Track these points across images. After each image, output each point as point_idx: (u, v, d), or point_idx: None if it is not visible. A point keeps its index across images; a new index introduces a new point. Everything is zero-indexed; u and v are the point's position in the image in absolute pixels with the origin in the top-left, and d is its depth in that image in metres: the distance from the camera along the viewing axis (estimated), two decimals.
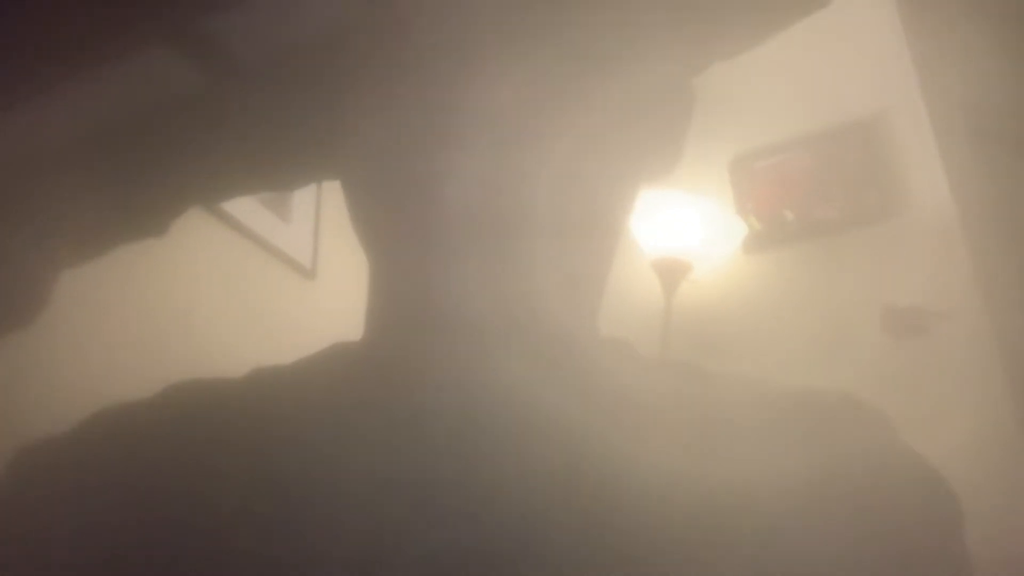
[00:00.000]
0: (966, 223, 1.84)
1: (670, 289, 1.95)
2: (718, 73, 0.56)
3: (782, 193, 2.13)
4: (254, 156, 0.59)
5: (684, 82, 0.53)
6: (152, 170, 0.58)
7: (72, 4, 0.50)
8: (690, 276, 1.97)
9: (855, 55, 2.04)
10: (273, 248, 1.57)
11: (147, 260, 1.18)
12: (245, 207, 1.48)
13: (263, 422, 0.47)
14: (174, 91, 0.56)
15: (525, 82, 0.45)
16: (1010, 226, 1.74)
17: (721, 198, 2.09)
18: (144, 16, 0.52)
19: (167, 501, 0.45)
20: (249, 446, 0.46)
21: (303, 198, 1.65)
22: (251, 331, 1.41)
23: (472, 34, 0.45)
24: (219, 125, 0.57)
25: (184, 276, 1.31)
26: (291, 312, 1.59)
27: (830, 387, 0.48)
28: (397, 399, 0.47)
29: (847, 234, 2.03)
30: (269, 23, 0.55)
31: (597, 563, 0.41)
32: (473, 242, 0.44)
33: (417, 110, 0.45)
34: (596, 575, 0.40)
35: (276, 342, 1.39)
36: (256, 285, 1.54)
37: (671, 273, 1.95)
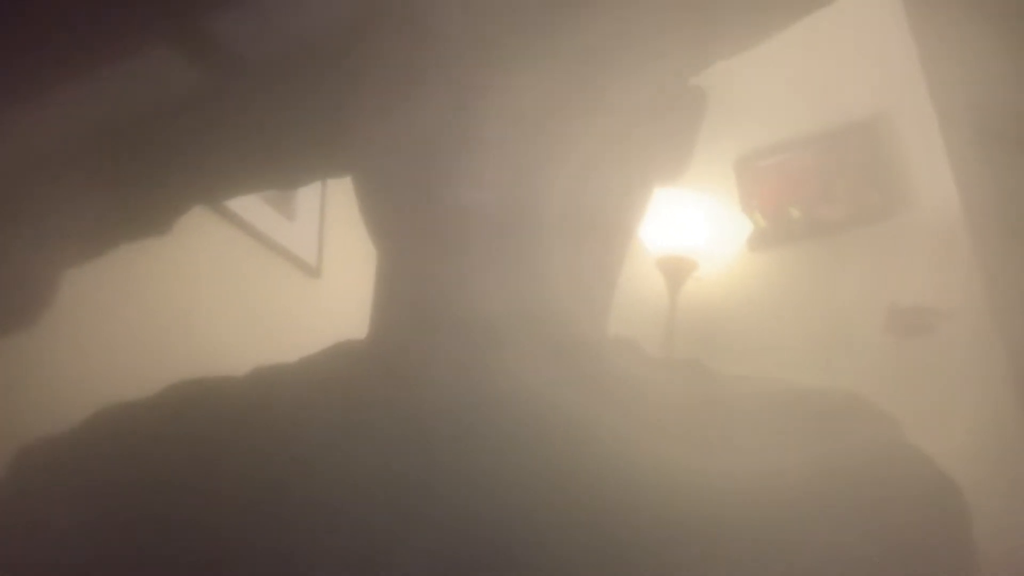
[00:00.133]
0: (971, 222, 1.84)
1: (675, 287, 1.95)
2: (724, 72, 0.56)
3: (787, 191, 2.13)
4: (259, 154, 0.59)
5: (695, 84, 0.53)
6: (156, 169, 0.58)
7: (75, 3, 0.50)
8: (695, 274, 1.97)
9: (861, 54, 2.04)
10: (278, 246, 1.57)
11: (151, 259, 1.18)
12: (249, 205, 1.48)
13: (267, 421, 0.48)
14: (178, 89, 0.56)
15: (538, 80, 0.45)
16: (1015, 226, 1.74)
17: (726, 196, 2.09)
18: (147, 14, 0.52)
19: (170, 500, 0.45)
20: (253, 445, 0.46)
21: (308, 196, 1.65)
22: (255, 329, 1.41)
23: (486, 33, 0.45)
24: (223, 123, 0.57)
25: (188, 274, 1.31)
26: (295, 310, 1.59)
27: (837, 387, 0.48)
28: (402, 397, 0.47)
29: (852, 233, 2.03)
30: (274, 21, 0.55)
31: (605, 561, 0.40)
32: (483, 241, 0.44)
33: (431, 108, 0.45)
34: (603, 573, 0.40)
35: (280, 340, 1.39)
36: (261, 283, 1.55)
37: (676, 271, 1.95)
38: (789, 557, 0.41)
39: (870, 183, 2.04)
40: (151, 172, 0.59)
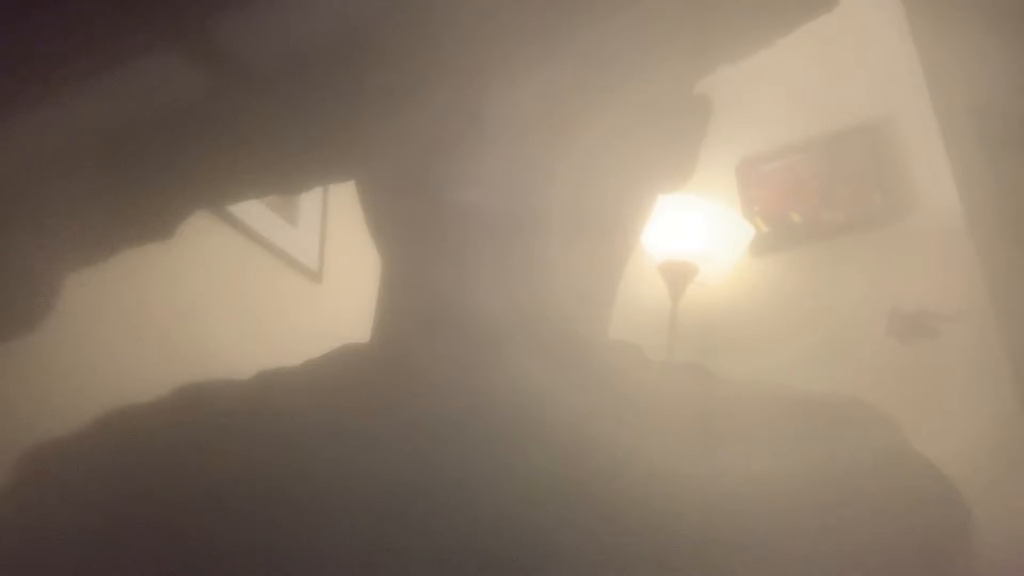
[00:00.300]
0: (973, 227, 1.84)
1: (677, 292, 1.95)
2: (725, 76, 0.56)
3: (789, 196, 2.13)
4: (262, 159, 0.59)
5: (699, 90, 0.53)
6: (159, 173, 0.58)
7: (78, 6, 0.50)
8: (697, 279, 1.97)
9: (862, 58, 2.04)
10: (280, 251, 1.57)
11: (154, 263, 1.18)
12: (252, 210, 1.48)
13: (271, 425, 0.48)
14: (182, 93, 0.56)
15: (542, 84, 0.45)
16: (1017, 230, 1.74)
17: (728, 201, 2.08)
18: (151, 18, 0.52)
19: (173, 503, 0.45)
20: (257, 449, 0.46)
21: (310, 201, 1.65)
22: (257, 333, 1.41)
23: (489, 37, 0.45)
24: (227, 128, 0.57)
25: (191, 279, 1.31)
26: (297, 315, 1.59)
27: (839, 391, 0.48)
28: (405, 401, 0.47)
29: (854, 237, 2.02)
30: (278, 26, 0.55)
31: (607, 566, 0.40)
32: (486, 244, 0.44)
33: (434, 112, 0.45)
34: None
35: (282, 344, 1.39)
36: (263, 288, 1.55)
37: (678, 276, 1.95)
38: (791, 562, 0.41)
39: (872, 188, 2.04)
40: (154, 176, 0.59)
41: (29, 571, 0.45)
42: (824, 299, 1.94)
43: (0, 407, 0.91)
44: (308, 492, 0.44)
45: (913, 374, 1.75)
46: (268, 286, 1.56)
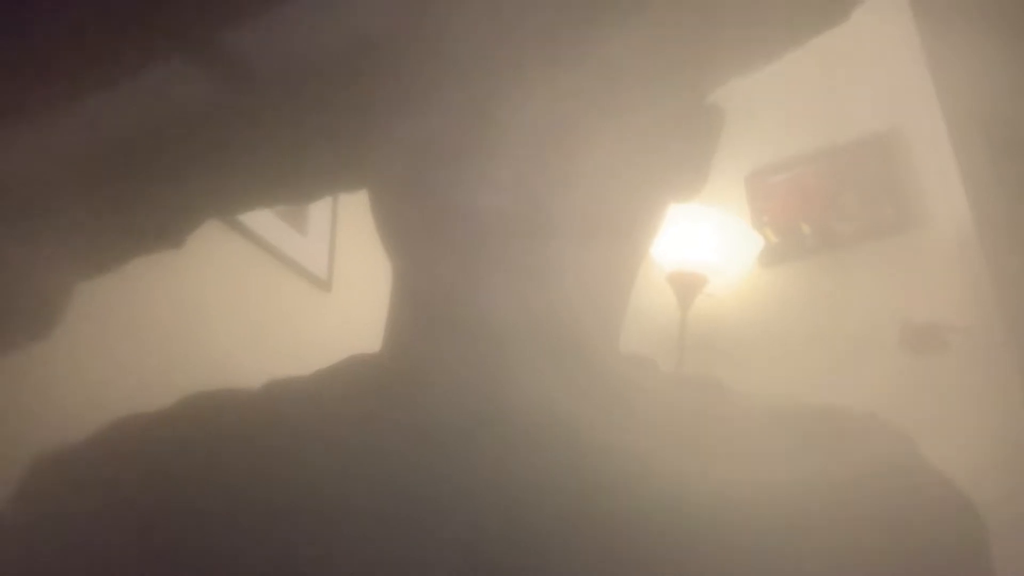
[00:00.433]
0: (984, 237, 1.83)
1: (686, 303, 1.95)
2: (736, 87, 0.56)
3: (799, 206, 2.12)
4: (273, 168, 0.59)
5: (710, 101, 0.53)
6: (169, 183, 0.59)
7: (89, 16, 0.50)
8: (706, 289, 1.96)
9: (872, 68, 2.04)
10: (290, 260, 1.57)
11: (164, 271, 1.19)
12: (262, 219, 1.48)
13: (279, 434, 0.47)
14: (192, 103, 0.56)
15: (553, 91, 0.44)
16: None
17: (738, 211, 2.08)
18: (161, 28, 0.53)
19: (183, 511, 0.45)
20: (264, 459, 0.46)
21: (319, 210, 1.65)
22: (266, 342, 1.41)
23: (501, 43, 0.45)
24: (237, 137, 0.57)
25: (201, 288, 1.32)
26: (306, 324, 1.60)
27: (853, 405, 0.48)
28: (415, 412, 0.47)
29: (864, 248, 2.02)
30: (288, 34, 0.55)
31: None
32: (498, 251, 0.44)
33: (445, 118, 0.44)
34: None
35: (291, 353, 1.39)
36: (272, 297, 1.55)
37: (687, 287, 1.95)
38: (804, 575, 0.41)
39: (881, 198, 2.04)
40: (164, 186, 0.59)
41: None
42: (834, 310, 1.94)
43: (8, 415, 0.91)
44: (316, 501, 0.44)
45: (924, 385, 1.74)
46: (277, 295, 1.57)
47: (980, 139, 1.87)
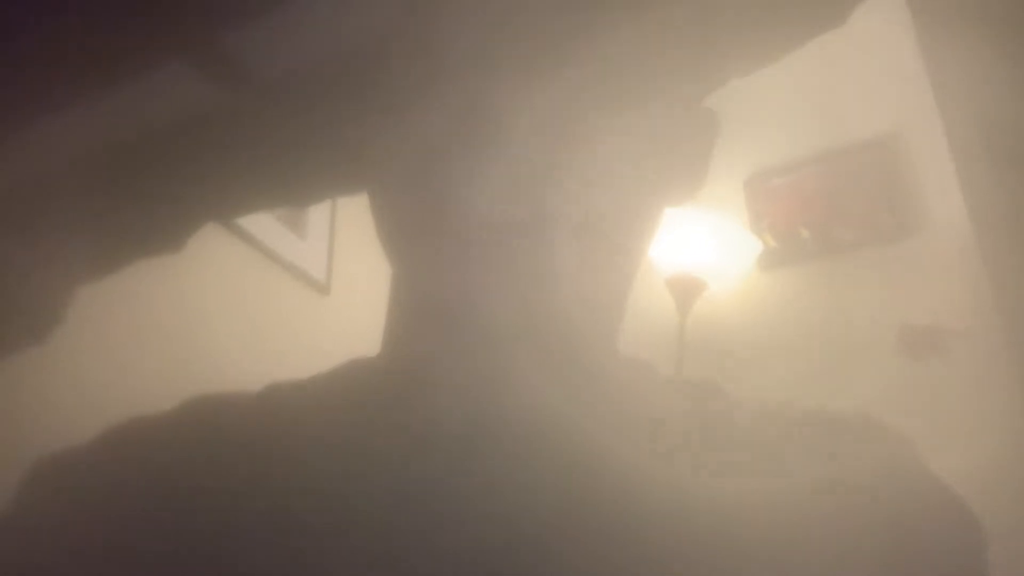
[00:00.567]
0: (983, 242, 1.83)
1: (685, 307, 1.95)
2: (734, 90, 0.56)
3: (798, 211, 2.12)
4: (272, 171, 0.59)
5: (708, 104, 0.53)
6: (168, 186, 0.59)
7: (90, 19, 0.50)
8: (705, 294, 1.96)
9: (871, 73, 2.04)
10: (288, 264, 1.57)
11: (163, 275, 1.19)
12: (261, 223, 1.48)
13: (278, 438, 0.47)
14: (191, 106, 0.56)
15: (552, 94, 0.45)
16: None
17: (736, 216, 2.08)
18: (160, 31, 0.53)
19: (183, 514, 0.45)
20: (264, 462, 0.46)
21: (318, 214, 1.65)
22: (265, 346, 1.41)
23: (498, 44, 0.45)
24: (237, 140, 0.57)
25: (200, 291, 1.32)
26: (305, 327, 1.60)
27: (852, 409, 0.48)
28: (413, 416, 0.47)
29: (863, 252, 2.02)
30: (286, 37, 0.55)
31: None
32: (498, 255, 0.44)
33: (443, 119, 0.45)
34: None
35: (289, 357, 1.39)
36: (271, 301, 1.55)
37: (686, 291, 1.95)
38: None
39: (881, 203, 2.04)
40: (163, 189, 0.59)
41: None
42: (833, 314, 1.94)
43: (9, 418, 0.91)
44: (315, 504, 0.44)
45: (923, 389, 1.74)
46: (276, 298, 1.57)
47: (979, 144, 1.87)
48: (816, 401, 0.49)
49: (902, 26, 1.98)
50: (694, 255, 1.92)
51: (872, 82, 2.05)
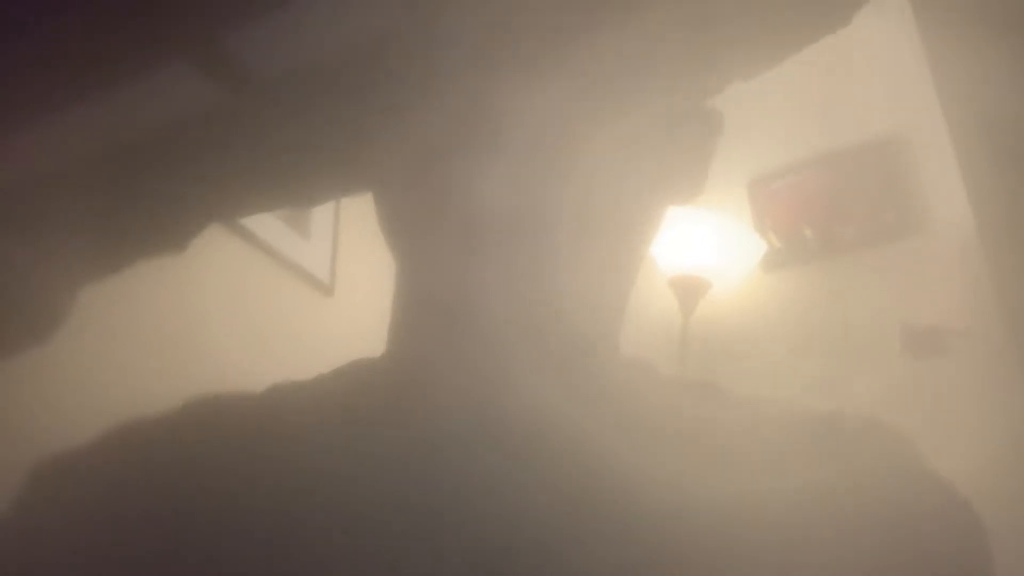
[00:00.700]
0: (986, 242, 1.83)
1: (688, 307, 1.95)
2: (738, 92, 0.56)
3: (801, 211, 2.12)
4: (275, 171, 0.59)
5: (711, 105, 0.53)
6: (171, 186, 0.59)
7: (90, 19, 0.50)
8: (708, 294, 1.96)
9: (875, 74, 2.04)
10: (292, 264, 1.57)
11: (165, 275, 1.19)
12: (264, 223, 1.48)
13: (280, 439, 0.47)
14: (194, 105, 0.56)
15: (554, 93, 0.44)
16: None
17: (740, 216, 2.08)
18: (163, 31, 0.53)
19: (184, 515, 0.45)
20: (267, 462, 0.46)
21: (322, 214, 1.65)
22: (268, 346, 1.41)
23: (500, 42, 0.45)
24: (240, 140, 0.57)
25: (203, 291, 1.32)
26: (308, 328, 1.60)
27: (855, 410, 0.48)
28: (416, 417, 0.47)
29: (866, 253, 2.02)
30: (288, 37, 0.55)
31: None
32: (500, 254, 0.44)
33: (449, 119, 0.44)
34: None
35: (292, 357, 1.39)
36: (274, 301, 1.55)
37: (689, 291, 1.95)
38: None
39: (884, 203, 2.04)
40: (167, 189, 0.59)
41: None
42: (836, 314, 1.94)
43: (9, 419, 0.91)
44: (317, 506, 0.44)
45: (926, 389, 1.74)
46: (280, 299, 1.57)
47: (982, 144, 1.87)
48: (819, 400, 0.49)
49: (905, 27, 1.98)
50: (698, 255, 1.92)
51: (875, 83, 2.05)
